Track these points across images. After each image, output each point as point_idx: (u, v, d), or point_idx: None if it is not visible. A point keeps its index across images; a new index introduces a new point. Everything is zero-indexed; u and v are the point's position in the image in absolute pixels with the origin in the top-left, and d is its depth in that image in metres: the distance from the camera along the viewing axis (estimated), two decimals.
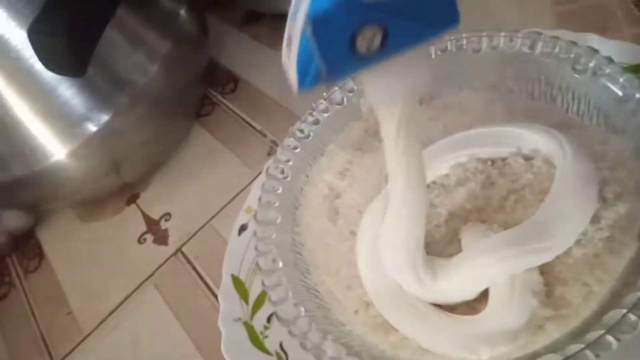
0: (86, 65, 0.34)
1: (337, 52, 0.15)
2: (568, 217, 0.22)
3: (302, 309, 0.25)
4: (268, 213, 0.29)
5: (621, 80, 0.26)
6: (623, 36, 0.39)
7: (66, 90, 0.39)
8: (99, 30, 0.35)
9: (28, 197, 0.45)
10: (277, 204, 0.30)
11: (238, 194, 0.43)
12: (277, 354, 0.31)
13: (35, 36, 0.33)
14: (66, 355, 0.41)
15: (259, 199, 0.30)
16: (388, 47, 0.15)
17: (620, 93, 0.26)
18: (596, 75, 0.26)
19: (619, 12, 0.41)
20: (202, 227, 0.43)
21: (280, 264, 0.27)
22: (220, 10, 0.60)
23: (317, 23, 0.15)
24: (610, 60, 0.26)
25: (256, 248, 0.28)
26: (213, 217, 0.43)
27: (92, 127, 0.40)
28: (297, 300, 0.26)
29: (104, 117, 0.40)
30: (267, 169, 0.31)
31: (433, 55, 0.32)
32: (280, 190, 0.30)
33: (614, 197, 0.23)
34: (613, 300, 0.21)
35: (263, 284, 0.26)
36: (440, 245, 0.25)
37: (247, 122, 0.48)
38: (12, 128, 0.40)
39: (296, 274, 0.28)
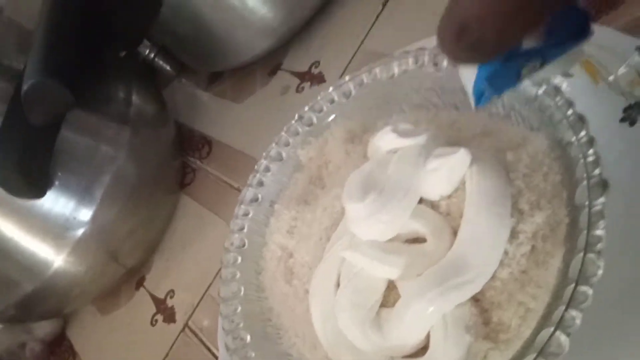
0: (43, 186, 0.36)
1: (506, 86, 0.18)
2: (482, 243, 0.22)
3: None
4: (230, 288, 0.30)
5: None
6: None
7: (42, 206, 0.42)
8: (47, 154, 0.37)
9: (45, 308, 0.47)
10: (238, 275, 0.31)
11: None
12: None
13: None
14: None
15: (221, 275, 0.31)
16: (545, 65, 0.18)
17: (526, 91, 0.25)
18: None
19: None
20: (202, 298, 0.44)
21: (248, 339, 0.28)
22: (186, 76, 0.62)
23: (491, 79, 0.18)
24: None
25: (222, 327, 0.29)
26: (210, 285, 0.44)
27: (78, 230, 0.43)
28: None
29: (85, 218, 0.42)
30: (225, 243, 0.32)
31: (353, 92, 0.32)
32: (239, 261, 0.31)
33: (530, 207, 0.22)
34: (548, 316, 0.20)
35: None
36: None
37: (226, 183, 0.50)
38: (8, 251, 0.42)
39: (266, 344, 0.28)
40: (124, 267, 0.49)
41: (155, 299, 0.48)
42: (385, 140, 0.26)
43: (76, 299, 0.49)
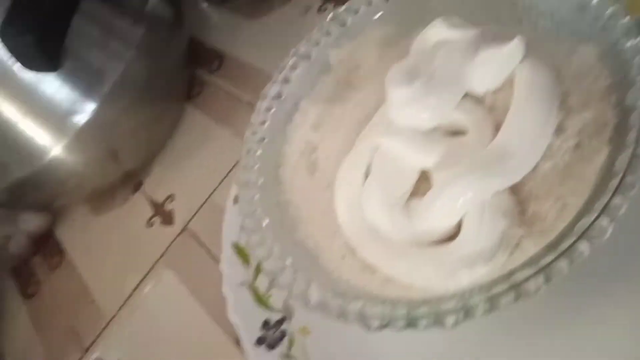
0: (58, 59, 0.35)
1: None
2: (527, 133, 0.22)
3: (288, 261, 0.26)
4: (249, 175, 0.30)
5: None
6: None
7: (48, 87, 0.40)
8: (65, 23, 0.35)
9: (36, 197, 0.46)
10: (257, 166, 0.30)
11: (234, 166, 0.44)
12: (283, 310, 0.32)
13: (7, 38, 0.34)
14: (94, 341, 0.43)
15: (241, 161, 0.30)
16: None
17: (579, 0, 0.25)
18: None
19: None
20: (203, 203, 0.44)
21: (266, 222, 0.28)
22: None
23: None
24: None
25: (240, 211, 0.28)
26: (213, 191, 0.44)
27: (81, 119, 0.41)
28: (282, 254, 0.26)
29: (90, 108, 0.41)
30: (246, 134, 0.32)
31: None
32: (259, 153, 0.31)
33: (579, 105, 0.22)
34: (587, 209, 0.21)
35: (249, 242, 0.27)
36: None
37: (236, 96, 0.49)
38: (5, 132, 0.41)
39: (282, 231, 0.28)
40: (122, 168, 0.48)
41: (153, 202, 0.47)
42: (435, 31, 0.26)
43: (69, 192, 0.47)
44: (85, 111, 0.41)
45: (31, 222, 0.52)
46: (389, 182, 0.24)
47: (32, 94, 0.40)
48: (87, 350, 0.43)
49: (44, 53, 0.34)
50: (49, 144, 0.42)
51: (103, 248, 0.48)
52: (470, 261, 0.21)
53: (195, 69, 0.53)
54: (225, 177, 0.44)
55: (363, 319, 0.22)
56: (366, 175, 0.25)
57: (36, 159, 0.42)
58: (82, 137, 0.42)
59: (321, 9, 0.48)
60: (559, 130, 0.22)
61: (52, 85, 0.40)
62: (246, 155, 0.30)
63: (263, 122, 0.31)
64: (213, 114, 0.49)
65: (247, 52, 0.51)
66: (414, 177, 0.24)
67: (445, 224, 0.23)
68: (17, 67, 0.37)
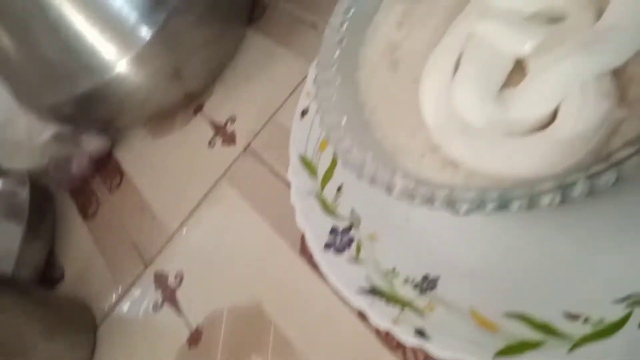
0: None
1: None
2: (634, 15, 0.20)
3: (370, 154, 0.25)
4: (327, 74, 0.29)
5: None
6: None
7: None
8: None
9: (100, 113, 0.47)
10: (335, 67, 0.29)
11: (297, 86, 0.43)
12: (350, 218, 0.32)
13: None
14: (156, 255, 0.44)
15: (317, 62, 0.30)
16: None
17: None
18: None
19: None
20: (266, 123, 0.43)
21: (344, 120, 0.27)
22: None
23: None
24: None
25: (319, 106, 0.28)
26: (276, 111, 0.43)
27: (149, 31, 0.41)
28: (363, 149, 0.25)
29: (157, 22, 0.41)
30: (322, 37, 0.31)
31: None
32: (337, 54, 0.30)
33: None
34: None
35: (328, 137, 0.27)
36: None
37: (299, 18, 0.48)
38: (72, 43, 0.41)
39: (360, 129, 0.27)
40: (184, 88, 0.48)
41: (214, 124, 0.47)
42: None
43: (132, 110, 0.48)
44: (152, 25, 0.41)
45: (92, 143, 0.53)
46: (482, 71, 0.23)
47: (99, 5, 0.40)
48: (149, 264, 0.44)
49: None
50: (115, 57, 0.42)
51: (163, 169, 0.49)
52: (569, 145, 0.20)
53: None
54: (288, 98, 0.43)
55: (451, 203, 0.21)
56: (457, 65, 0.24)
57: (102, 72, 0.42)
58: (147, 52, 0.42)
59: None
60: None
61: None
62: (324, 55, 0.30)
63: (342, 23, 0.30)
64: (275, 36, 0.48)
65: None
66: (509, 65, 0.23)
67: (542, 110, 0.22)
68: None
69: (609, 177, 0.18)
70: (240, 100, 0.47)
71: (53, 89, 0.43)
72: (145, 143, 0.52)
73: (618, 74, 0.21)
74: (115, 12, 0.41)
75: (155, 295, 0.42)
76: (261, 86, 0.46)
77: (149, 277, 0.43)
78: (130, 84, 0.43)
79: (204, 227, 0.42)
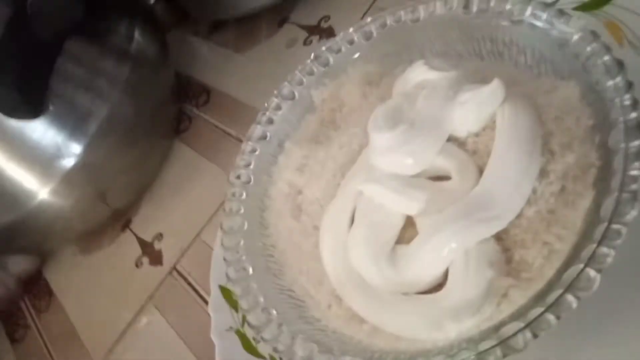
0: (40, 106, 0.34)
1: None
2: (511, 179, 0.21)
3: (274, 312, 0.25)
4: (234, 221, 0.29)
5: (558, 24, 0.25)
6: None
7: (33, 132, 0.40)
8: (48, 68, 0.35)
9: (24, 241, 0.46)
10: (242, 210, 0.30)
11: (222, 203, 0.43)
12: (271, 357, 0.31)
13: None
14: None
15: (224, 209, 0.30)
16: None
17: (559, 37, 0.24)
18: (533, 23, 0.25)
19: None
20: (192, 242, 0.43)
21: (250, 271, 0.27)
22: (186, 25, 0.60)
23: None
24: (546, 5, 0.25)
25: (224, 258, 0.28)
26: (201, 230, 0.43)
27: (68, 163, 0.41)
28: (268, 304, 0.25)
29: (77, 151, 0.41)
30: (230, 176, 0.31)
31: (374, 34, 0.31)
32: (244, 196, 0.30)
33: (561, 147, 0.22)
34: (574, 256, 0.20)
35: (233, 293, 0.26)
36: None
37: (224, 131, 0.48)
38: None
39: (268, 277, 0.27)
40: (110, 207, 0.47)
41: (141, 242, 0.46)
42: (416, 73, 0.26)
43: (58, 235, 0.47)
44: (72, 154, 0.41)
45: (19, 265, 0.51)
46: (374, 229, 0.24)
47: (17, 139, 0.40)
48: None
49: (26, 103, 0.34)
50: (36, 188, 0.41)
51: (92, 289, 0.47)
52: (457, 312, 0.21)
53: (183, 103, 0.53)
54: (213, 215, 0.43)
55: None
56: (351, 221, 0.25)
57: (23, 204, 0.41)
58: (69, 180, 0.42)
59: (306, 42, 0.48)
60: (542, 174, 0.21)
61: (37, 130, 0.40)
62: (231, 199, 0.30)
63: (248, 165, 0.31)
64: (201, 150, 0.49)
65: (234, 86, 0.51)
66: (400, 223, 0.24)
67: (431, 273, 0.22)
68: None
69: (497, 355, 0.19)
70: (168, 216, 0.46)
71: None
72: (74, 260, 0.51)
73: (502, 237, 0.22)
74: (33, 145, 0.40)
75: None
76: (187, 202, 0.46)
77: None
78: (52, 213, 0.43)
79: (131, 356, 0.41)
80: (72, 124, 0.41)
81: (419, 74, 0.26)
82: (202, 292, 0.39)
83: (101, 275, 0.47)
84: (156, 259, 0.44)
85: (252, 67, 0.51)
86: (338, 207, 0.25)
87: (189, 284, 0.41)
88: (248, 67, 0.51)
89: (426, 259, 0.22)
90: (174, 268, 0.43)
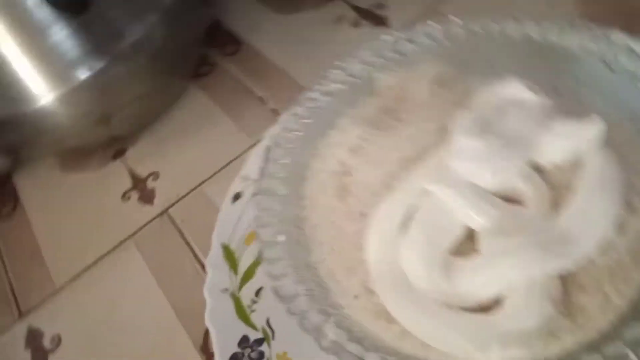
0: (87, 3, 0.32)
1: None
2: (592, 223, 0.21)
3: (303, 287, 0.24)
4: (273, 183, 0.28)
5: None
6: None
7: (60, 30, 0.37)
8: None
9: (8, 140, 0.42)
10: (282, 175, 0.28)
11: (232, 160, 0.41)
12: (263, 330, 0.30)
13: None
14: (34, 307, 0.39)
15: (264, 167, 0.28)
16: None
17: None
18: (636, 78, 0.25)
19: None
20: (191, 191, 0.41)
21: (283, 238, 0.26)
22: None
23: None
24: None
25: (257, 218, 0.26)
26: (204, 181, 0.41)
27: (85, 73, 0.38)
28: (297, 278, 0.24)
29: (99, 64, 0.38)
30: (274, 137, 0.30)
31: (463, 37, 0.30)
32: (287, 161, 0.29)
33: None
34: (632, 315, 0.20)
35: (262, 256, 0.25)
36: None
37: (246, 87, 0.46)
38: (7, 68, 0.37)
39: (297, 249, 0.26)
40: (109, 132, 0.44)
41: (133, 175, 0.44)
42: (510, 89, 0.25)
43: (45, 145, 0.44)
44: (90, 67, 0.38)
45: None
46: (433, 234, 0.23)
47: (39, 33, 0.37)
48: (21, 315, 0.39)
49: None
50: (42, 91, 0.38)
51: (66, 210, 0.44)
52: (508, 339, 0.20)
53: (209, 48, 0.50)
54: (220, 170, 0.41)
55: None
56: (407, 217, 0.24)
57: (24, 102, 0.38)
58: (80, 92, 0.39)
59: (357, 24, 0.47)
60: (620, 227, 0.21)
61: (63, 31, 0.37)
62: (273, 161, 0.28)
63: (297, 130, 0.29)
64: (217, 99, 0.46)
65: (268, 45, 0.49)
66: (460, 234, 0.23)
67: (485, 293, 0.22)
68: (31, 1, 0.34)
69: None
70: (169, 157, 0.44)
71: None
72: (51, 175, 0.47)
73: (566, 278, 0.22)
74: (55, 44, 0.37)
75: (23, 354, 0.37)
76: (193, 149, 0.44)
77: (20, 330, 0.38)
78: (51, 119, 0.40)
79: (98, 291, 0.38)
80: (101, 36, 0.38)
81: (514, 91, 0.25)
82: (193, 244, 0.38)
83: (79, 198, 0.44)
84: (147, 197, 0.42)
85: (292, 32, 0.49)
86: (397, 200, 0.24)
87: (180, 231, 0.39)
88: (288, 31, 0.49)
89: (486, 278, 0.21)
90: (166, 211, 0.40)
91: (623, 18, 0.38)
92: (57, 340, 0.37)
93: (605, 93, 0.27)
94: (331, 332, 0.22)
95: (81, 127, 0.42)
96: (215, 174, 0.41)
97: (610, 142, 0.24)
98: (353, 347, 0.21)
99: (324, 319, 0.22)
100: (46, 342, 0.37)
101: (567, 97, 0.28)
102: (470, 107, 0.25)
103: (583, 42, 0.27)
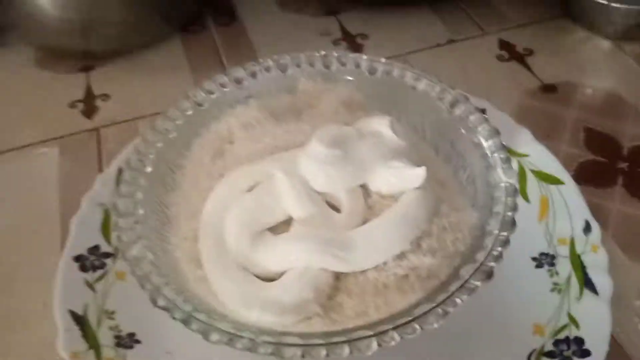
0: None
1: None
2: (377, 243, 0.25)
3: (140, 212, 0.27)
4: (170, 126, 0.31)
5: (501, 168, 0.28)
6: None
7: None
8: None
9: None
10: (180, 122, 0.32)
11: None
12: (115, 248, 0.33)
13: None
14: None
15: (169, 111, 0.32)
16: None
17: (495, 179, 0.28)
18: (490, 156, 0.29)
19: None
20: (127, 121, 0.45)
21: (150, 169, 0.29)
22: None
23: None
24: (504, 147, 0.29)
25: (139, 145, 0.30)
26: (142, 117, 0.45)
27: None
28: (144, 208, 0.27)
29: None
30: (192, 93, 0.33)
31: (379, 72, 0.34)
32: (189, 112, 0.32)
33: (428, 249, 0.25)
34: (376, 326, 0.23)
35: (123, 179, 0.28)
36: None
37: (220, 59, 0.50)
38: None
39: (159, 186, 0.30)
40: (87, 45, 0.48)
41: (88, 89, 0.48)
42: (379, 123, 0.29)
43: (25, 22, 0.48)
44: None
45: None
46: (259, 208, 0.26)
47: None
48: None
49: None
50: None
51: (19, 97, 0.48)
52: (267, 305, 0.24)
53: (207, 11, 0.55)
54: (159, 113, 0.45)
55: (154, 293, 0.24)
56: (249, 189, 0.28)
57: None
58: None
59: (337, 42, 0.51)
60: (400, 256, 0.25)
61: None
62: (174, 110, 0.32)
63: (210, 92, 0.33)
64: (192, 59, 0.50)
65: (258, 33, 0.53)
66: (280, 218, 0.27)
67: (271, 267, 0.25)
68: None
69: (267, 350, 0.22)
70: (124, 86, 0.48)
71: None
72: (24, 64, 0.51)
73: (339, 277, 0.25)
74: None
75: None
76: (148, 87, 0.47)
77: None
78: (38, 11, 0.44)
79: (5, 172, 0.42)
80: None
81: (381, 126, 0.29)
82: (104, 164, 0.41)
83: (34, 90, 0.48)
84: (89, 112, 0.46)
85: (283, 27, 0.53)
86: (247, 172, 0.28)
87: (99, 150, 0.42)
88: (280, 26, 0.53)
89: (277, 254, 0.25)
90: (98, 129, 0.44)
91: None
92: None
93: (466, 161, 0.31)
94: (135, 250, 0.25)
95: (62, 30, 0.46)
96: (154, 114, 0.44)
97: (438, 198, 0.28)
98: (184, 306, 0.24)
99: (136, 239, 0.26)
100: None
101: (440, 156, 0.32)
102: (336, 126, 0.28)
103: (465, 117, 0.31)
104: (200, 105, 0.33)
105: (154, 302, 0.23)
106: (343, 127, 0.28)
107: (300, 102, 0.34)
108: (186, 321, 0.23)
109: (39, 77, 0.50)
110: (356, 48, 0.50)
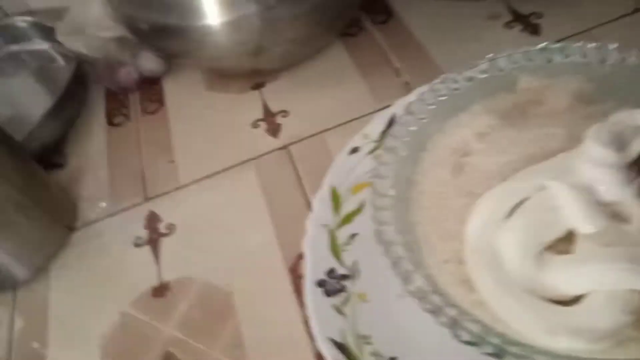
0: None
1: None
2: None
3: (401, 238, 0.27)
4: (396, 143, 0.31)
5: None
6: None
7: None
8: None
9: (171, 46, 0.48)
10: (406, 139, 0.31)
11: (356, 118, 0.45)
12: (350, 268, 0.33)
13: None
14: (158, 196, 0.45)
15: (392, 129, 0.31)
16: None
17: None
18: None
19: None
20: (313, 135, 0.45)
21: (393, 192, 0.29)
22: None
23: None
24: None
25: (375, 169, 0.29)
26: (327, 130, 0.45)
27: (254, 7, 0.42)
28: (398, 229, 0.27)
29: (269, 2, 0.42)
30: (407, 105, 0.32)
31: (611, 61, 0.31)
32: (414, 128, 0.31)
33: None
34: None
35: (372, 203, 0.28)
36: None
37: (387, 57, 0.49)
38: None
39: (401, 206, 0.29)
40: (256, 64, 0.49)
41: (266, 108, 0.48)
42: None
43: (197, 57, 0.49)
44: (260, 3, 0.42)
45: (149, 62, 0.54)
46: (536, 226, 0.25)
47: None
48: (149, 199, 0.45)
49: None
50: (213, 12, 0.43)
51: (202, 121, 0.50)
52: (577, 332, 0.22)
53: (362, 12, 0.53)
54: (343, 124, 0.45)
55: (455, 327, 0.23)
56: (517, 205, 0.26)
57: (194, 17, 0.43)
58: (244, 22, 0.43)
59: (509, 26, 0.48)
60: None
61: None
62: (401, 125, 0.31)
63: (431, 104, 0.32)
64: (357, 60, 0.50)
65: (418, 23, 0.51)
66: (561, 233, 0.25)
67: (568, 290, 0.24)
68: None
69: None
70: (301, 100, 0.48)
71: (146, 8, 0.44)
72: (196, 88, 0.53)
73: None
74: None
75: (142, 231, 0.43)
76: (325, 98, 0.47)
77: (143, 211, 0.44)
78: (211, 39, 0.44)
79: (214, 196, 0.43)
80: None
81: None
82: (304, 182, 0.42)
83: (215, 114, 0.50)
84: (274, 130, 0.46)
85: (444, 16, 0.51)
86: (513, 188, 0.26)
87: (295, 167, 0.43)
88: (440, 14, 0.51)
89: (573, 277, 0.23)
90: (287, 147, 0.45)
91: None
92: (171, 228, 0.42)
93: None
94: (419, 280, 0.25)
95: (234, 52, 0.46)
96: (338, 125, 0.45)
97: None
98: (436, 298, 0.24)
99: (414, 268, 0.25)
100: (162, 227, 0.43)
101: None
102: (606, 122, 0.26)
103: None
104: (422, 119, 0.32)
105: (458, 337, 0.23)
106: (615, 125, 0.26)
107: (524, 100, 0.32)
108: (500, 355, 0.22)
109: (213, 98, 0.51)
110: (533, 29, 0.47)
